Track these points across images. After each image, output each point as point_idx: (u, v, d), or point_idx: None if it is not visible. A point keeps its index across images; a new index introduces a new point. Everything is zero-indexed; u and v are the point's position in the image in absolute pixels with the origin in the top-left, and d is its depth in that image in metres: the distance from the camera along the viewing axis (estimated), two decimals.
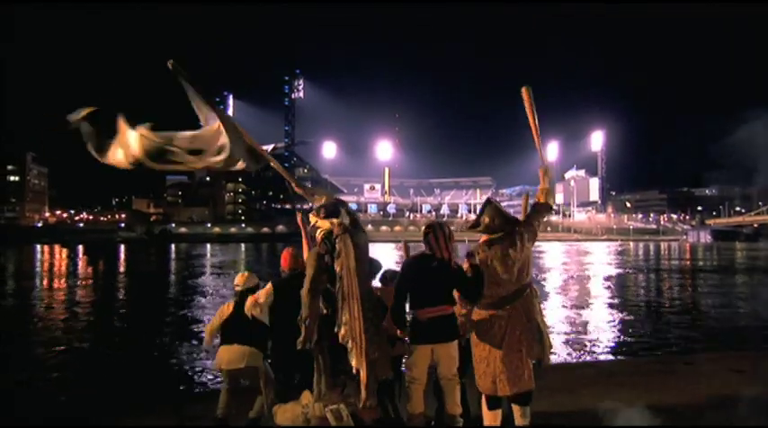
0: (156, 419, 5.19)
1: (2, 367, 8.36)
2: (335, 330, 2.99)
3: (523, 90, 3.63)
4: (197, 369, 7.81)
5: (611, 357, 8.64)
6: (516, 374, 3.41)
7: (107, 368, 8.24)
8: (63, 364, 8.43)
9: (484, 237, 3.67)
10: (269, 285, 3.99)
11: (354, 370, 2.98)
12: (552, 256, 42.00)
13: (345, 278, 2.95)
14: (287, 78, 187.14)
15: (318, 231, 3.17)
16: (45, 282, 22.63)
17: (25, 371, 7.99)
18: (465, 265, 3.73)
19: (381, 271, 4.31)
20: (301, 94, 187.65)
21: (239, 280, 4.31)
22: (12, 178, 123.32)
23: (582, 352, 8.86)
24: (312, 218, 3.21)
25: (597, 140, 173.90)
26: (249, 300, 3.98)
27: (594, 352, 8.89)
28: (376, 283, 4.08)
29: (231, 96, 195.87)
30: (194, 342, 9.63)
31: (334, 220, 3.09)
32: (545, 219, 3.89)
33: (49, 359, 8.73)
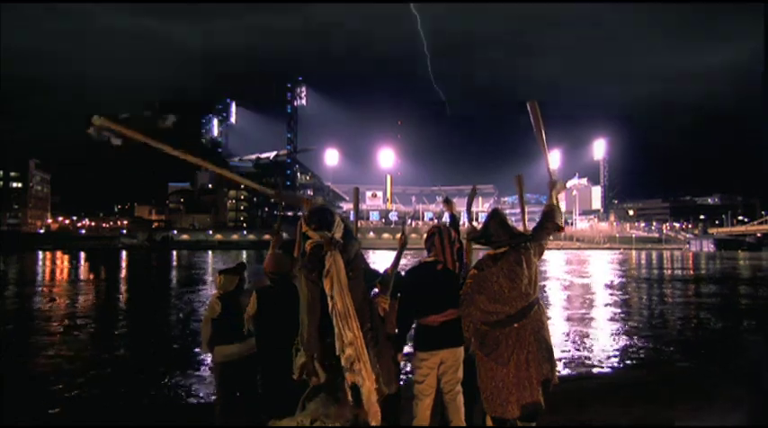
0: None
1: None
2: (337, 352, 2.84)
3: (530, 104, 3.50)
4: (193, 382, 7.69)
5: (614, 370, 8.48)
6: (525, 395, 3.27)
7: (105, 375, 8.15)
8: (58, 370, 8.34)
9: (489, 251, 3.55)
10: (253, 294, 3.94)
11: (353, 388, 2.83)
12: (554, 265, 41.82)
13: (338, 297, 2.79)
14: (289, 86, 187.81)
15: (308, 242, 3.02)
16: (45, 289, 22.57)
17: (23, 375, 7.93)
18: (472, 273, 3.63)
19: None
20: (304, 102, 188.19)
21: (218, 284, 4.32)
22: (15, 184, 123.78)
23: (584, 365, 8.71)
24: (303, 227, 3.06)
25: (599, 148, 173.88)
26: (245, 317, 3.94)
27: (597, 365, 8.74)
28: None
29: (234, 103, 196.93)
30: (191, 351, 9.51)
31: (326, 234, 2.93)
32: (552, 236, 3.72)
33: (45, 364, 8.65)
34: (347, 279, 2.81)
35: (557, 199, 3.50)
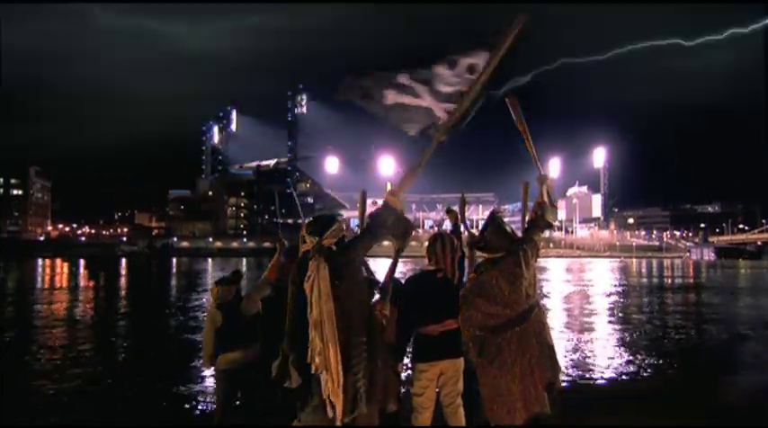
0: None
1: None
2: (308, 360, 2.77)
3: (509, 101, 3.50)
4: (192, 386, 7.63)
5: (613, 382, 8.40)
6: (531, 399, 3.21)
7: (103, 378, 8.11)
8: (57, 372, 8.29)
9: (488, 256, 3.53)
10: (259, 303, 3.94)
11: (328, 403, 2.77)
12: (554, 273, 41.72)
13: (315, 304, 2.73)
14: (290, 93, 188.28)
15: (303, 246, 2.98)
16: (44, 296, 22.50)
17: (23, 375, 7.92)
18: (471, 277, 3.60)
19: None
20: (304, 109, 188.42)
21: (213, 295, 4.31)
22: (15, 192, 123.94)
23: (583, 376, 8.63)
24: (303, 231, 3.02)
25: (600, 157, 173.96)
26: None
27: (596, 376, 8.65)
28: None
29: (234, 111, 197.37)
30: (190, 355, 9.46)
31: (314, 239, 2.89)
32: (546, 235, 3.71)
33: (45, 366, 8.61)
34: (331, 287, 2.73)
35: (547, 194, 3.43)
